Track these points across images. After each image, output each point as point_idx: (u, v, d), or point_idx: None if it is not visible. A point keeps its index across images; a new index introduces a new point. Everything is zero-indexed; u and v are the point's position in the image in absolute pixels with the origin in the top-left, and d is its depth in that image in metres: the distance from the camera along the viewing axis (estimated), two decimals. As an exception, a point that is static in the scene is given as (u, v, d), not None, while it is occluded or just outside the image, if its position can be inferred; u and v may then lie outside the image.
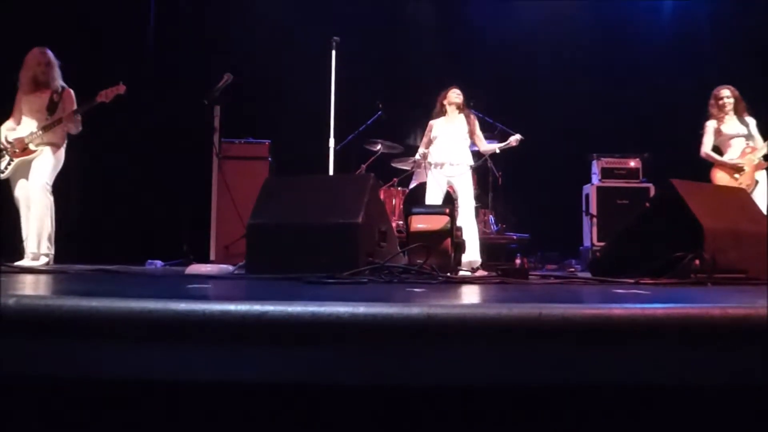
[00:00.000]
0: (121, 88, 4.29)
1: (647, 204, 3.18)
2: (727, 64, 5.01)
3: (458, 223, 4.55)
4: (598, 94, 6.70)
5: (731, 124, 4.93)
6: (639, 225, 3.08)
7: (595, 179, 6.23)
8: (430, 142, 5.16)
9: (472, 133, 5.09)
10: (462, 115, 5.12)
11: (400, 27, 6.86)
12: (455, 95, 5.14)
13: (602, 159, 6.23)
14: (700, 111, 5.21)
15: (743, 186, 4.70)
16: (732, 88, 4.97)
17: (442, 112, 5.18)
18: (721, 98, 4.95)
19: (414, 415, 1.10)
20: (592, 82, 6.75)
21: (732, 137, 4.91)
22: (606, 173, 6.19)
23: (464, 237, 4.16)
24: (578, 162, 6.40)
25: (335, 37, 5.01)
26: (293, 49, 6.40)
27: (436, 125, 5.16)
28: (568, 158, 6.43)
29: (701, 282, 2.44)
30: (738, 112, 4.94)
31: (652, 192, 5.96)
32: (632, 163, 6.20)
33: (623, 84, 6.71)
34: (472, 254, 4.60)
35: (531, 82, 6.52)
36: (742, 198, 3.47)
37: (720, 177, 4.90)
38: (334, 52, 4.98)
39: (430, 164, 5.05)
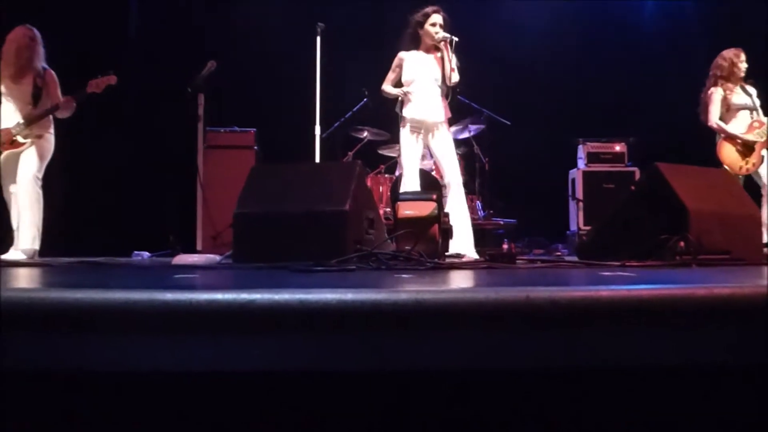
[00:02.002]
0: (113, 79, 4.18)
1: (633, 188, 3.19)
2: (712, 49, 5.00)
3: (447, 207, 4.13)
4: (583, 79, 6.71)
5: (739, 94, 4.59)
6: (625, 208, 3.10)
7: (581, 164, 6.26)
8: (398, 82, 4.17)
9: (447, 76, 3.98)
10: (436, 54, 4.07)
11: (386, 12, 6.81)
12: (434, 31, 3.99)
13: (588, 144, 6.26)
14: (685, 95, 5.22)
15: (751, 164, 4.50)
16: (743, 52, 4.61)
17: (415, 43, 4.10)
18: (742, 61, 4.57)
19: (404, 401, 1.10)
20: (578, 67, 6.76)
21: (739, 108, 4.58)
22: (592, 158, 6.23)
23: (453, 225, 3.96)
24: (564, 147, 6.43)
25: (320, 23, 4.97)
26: (278, 35, 6.34)
27: (409, 62, 4.12)
28: (554, 143, 6.45)
29: (686, 263, 2.46)
30: (743, 80, 4.62)
31: (638, 176, 6.00)
32: (618, 148, 6.23)
33: (608, 68, 6.73)
34: (465, 246, 3.93)
35: (517, 68, 6.52)
36: (725, 180, 3.51)
37: (728, 152, 4.57)
38: (318, 39, 4.93)
39: (404, 118, 4.12)
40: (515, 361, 1.06)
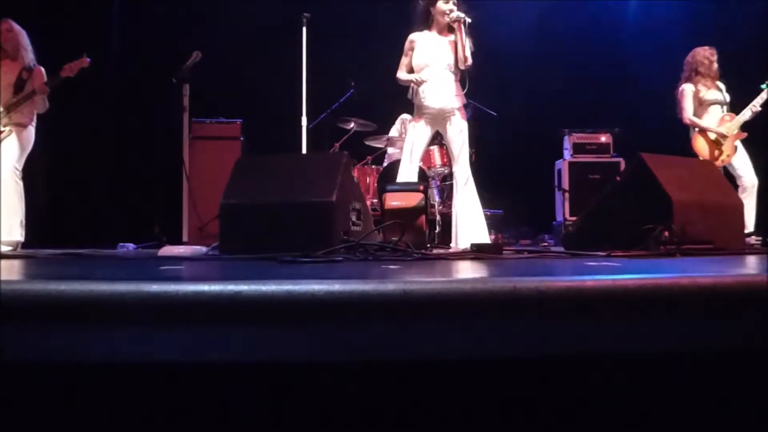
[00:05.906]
0: (85, 61, 4.18)
1: (618, 178, 3.21)
2: (693, 43, 5.05)
3: (459, 201, 3.96)
4: (569, 69, 6.74)
5: (711, 90, 4.80)
6: (610, 199, 3.13)
7: (567, 155, 6.30)
8: (411, 68, 3.93)
9: (461, 59, 3.77)
10: (450, 37, 3.83)
11: (372, 2, 6.78)
12: (448, 9, 3.77)
13: (574, 134, 6.30)
14: (669, 86, 5.26)
15: (725, 155, 4.67)
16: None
17: (427, 23, 3.86)
18: (714, 59, 4.75)
19: (391, 391, 1.10)
20: (564, 58, 6.78)
21: (711, 103, 4.78)
22: (577, 148, 6.27)
23: (469, 218, 3.79)
24: (550, 138, 6.46)
25: (305, 14, 4.93)
26: (263, 25, 6.29)
27: (420, 44, 3.88)
28: (540, 134, 6.48)
29: (670, 253, 2.49)
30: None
31: (623, 166, 6.05)
32: (603, 138, 6.28)
33: (594, 60, 6.76)
34: (476, 239, 3.65)
35: (503, 58, 6.51)
36: (708, 170, 3.54)
37: (701, 145, 4.77)
38: (304, 29, 4.90)
39: (417, 106, 3.92)
40: (502, 351, 1.06)
